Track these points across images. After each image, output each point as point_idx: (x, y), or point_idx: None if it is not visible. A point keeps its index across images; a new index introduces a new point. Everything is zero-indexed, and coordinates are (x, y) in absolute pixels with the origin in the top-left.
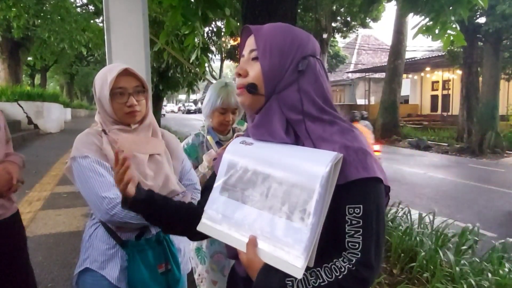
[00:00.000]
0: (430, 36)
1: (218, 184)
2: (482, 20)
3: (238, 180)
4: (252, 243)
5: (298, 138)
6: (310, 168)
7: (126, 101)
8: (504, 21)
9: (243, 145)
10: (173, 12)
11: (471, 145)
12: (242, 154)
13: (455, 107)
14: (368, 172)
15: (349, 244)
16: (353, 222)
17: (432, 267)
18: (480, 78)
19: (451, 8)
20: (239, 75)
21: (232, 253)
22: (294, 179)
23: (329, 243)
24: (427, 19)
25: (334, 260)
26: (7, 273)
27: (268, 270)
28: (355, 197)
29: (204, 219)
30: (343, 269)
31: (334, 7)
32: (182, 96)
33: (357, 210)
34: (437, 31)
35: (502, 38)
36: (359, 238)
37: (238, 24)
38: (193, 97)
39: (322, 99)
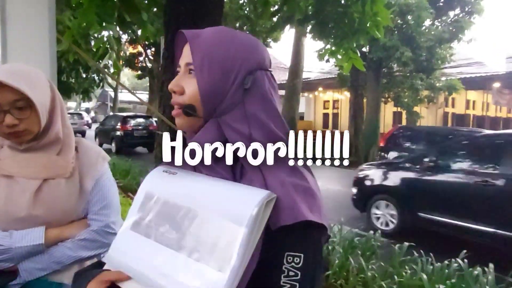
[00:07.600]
0: (324, 59)
1: (130, 218)
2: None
3: (154, 214)
4: None
5: (242, 168)
6: (236, 207)
7: (2, 120)
8: (385, 51)
9: (166, 174)
10: (84, 10)
11: (358, 158)
12: (163, 184)
13: (344, 125)
14: (314, 215)
15: None
16: (290, 273)
17: (345, 274)
18: (365, 100)
19: (354, 35)
20: (173, 92)
21: None
22: (217, 218)
23: None
24: (330, 44)
25: None
26: None
27: None
28: (296, 244)
29: (110, 250)
30: None
31: (238, 24)
32: (72, 104)
33: (296, 260)
34: (339, 56)
35: (382, 66)
36: None
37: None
38: (84, 105)
39: (272, 120)
